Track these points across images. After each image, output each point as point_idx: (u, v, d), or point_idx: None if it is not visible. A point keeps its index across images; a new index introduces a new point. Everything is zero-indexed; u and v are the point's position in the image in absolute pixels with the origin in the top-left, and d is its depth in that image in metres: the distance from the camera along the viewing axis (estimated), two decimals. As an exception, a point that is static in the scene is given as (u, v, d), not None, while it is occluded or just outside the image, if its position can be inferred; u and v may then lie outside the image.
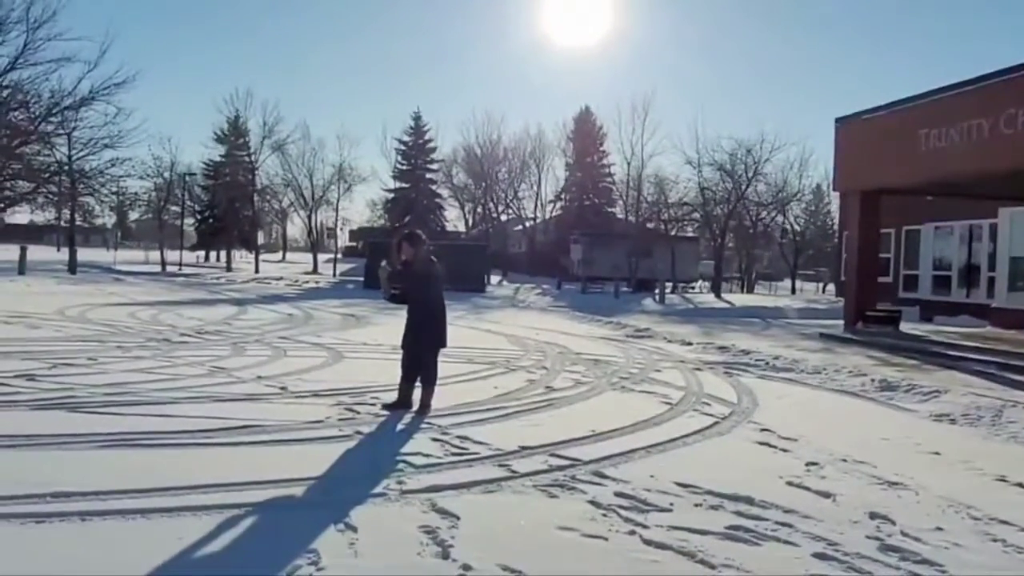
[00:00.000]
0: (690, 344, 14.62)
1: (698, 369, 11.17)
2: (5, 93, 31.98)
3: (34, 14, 30.97)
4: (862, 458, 6.19)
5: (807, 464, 5.98)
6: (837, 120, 18.19)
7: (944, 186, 16.91)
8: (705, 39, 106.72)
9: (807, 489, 5.31)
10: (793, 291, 45.53)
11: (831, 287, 42.64)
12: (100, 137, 34.23)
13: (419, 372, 7.44)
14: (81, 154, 34.63)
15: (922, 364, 12.52)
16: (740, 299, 32.39)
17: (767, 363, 12.09)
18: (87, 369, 8.96)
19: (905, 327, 16.74)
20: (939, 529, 4.59)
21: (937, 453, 6.60)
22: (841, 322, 18.05)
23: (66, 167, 34.56)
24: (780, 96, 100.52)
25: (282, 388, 8.29)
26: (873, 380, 10.38)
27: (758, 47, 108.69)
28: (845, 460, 6.13)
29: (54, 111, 32.99)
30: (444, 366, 7.87)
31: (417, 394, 7.42)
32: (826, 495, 5.18)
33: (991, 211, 20.17)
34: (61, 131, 33.86)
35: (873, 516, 4.77)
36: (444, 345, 7.63)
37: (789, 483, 5.43)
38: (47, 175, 34.83)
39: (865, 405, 9.06)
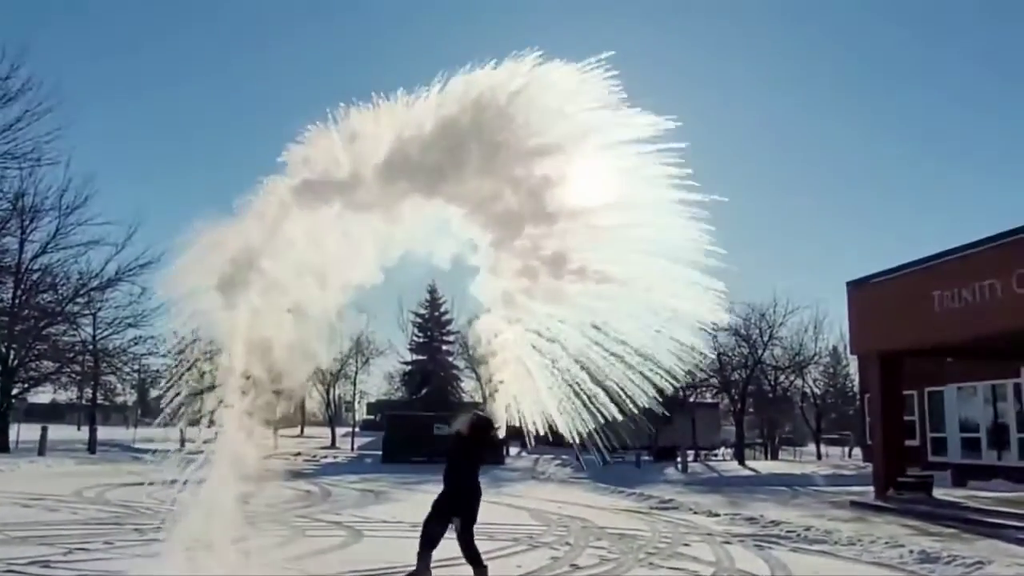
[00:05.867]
0: (717, 515, 14.21)
1: (727, 542, 10.82)
2: (35, 276, 33.15)
3: (66, 201, 32.61)
4: (908, 638, 5.90)
5: (851, 645, 5.70)
6: (849, 284, 18.51)
7: (961, 347, 16.92)
8: (712, 205, 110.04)
9: (853, 674, 5.04)
10: (819, 456, 44.36)
11: (857, 451, 41.60)
12: (124, 316, 35.13)
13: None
14: (105, 333, 35.28)
15: (961, 533, 12.08)
16: (765, 466, 31.65)
17: (798, 534, 11.70)
18: (103, 554, 8.80)
19: (938, 493, 16.27)
20: None
21: (987, 631, 6.28)
22: (871, 488, 17.56)
23: (90, 346, 35.17)
24: (790, 259, 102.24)
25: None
26: (911, 551, 10.00)
27: (763, 208, 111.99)
28: (890, 640, 5.84)
29: (81, 292, 34.00)
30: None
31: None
32: None
33: (1014, 370, 20.03)
34: (87, 311, 34.74)
35: None
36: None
37: (833, 667, 5.17)
38: (71, 355, 35.41)
39: (906, 579, 8.70)
